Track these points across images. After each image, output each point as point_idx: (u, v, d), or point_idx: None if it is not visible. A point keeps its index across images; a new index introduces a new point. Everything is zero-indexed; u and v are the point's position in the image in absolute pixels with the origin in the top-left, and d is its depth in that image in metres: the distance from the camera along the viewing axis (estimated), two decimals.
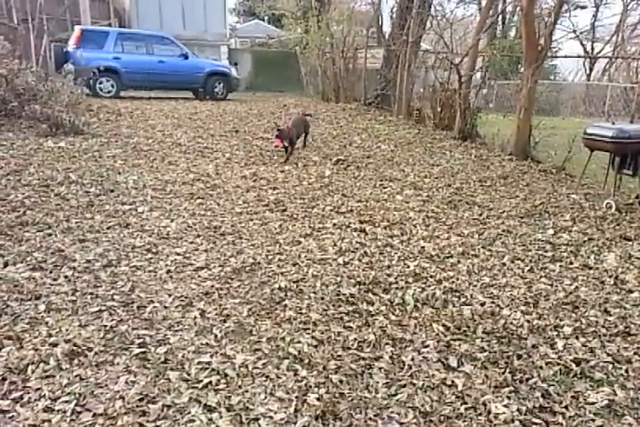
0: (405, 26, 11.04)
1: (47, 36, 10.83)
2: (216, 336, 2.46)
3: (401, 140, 8.37)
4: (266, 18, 30.54)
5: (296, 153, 7.07)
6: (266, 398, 2.05)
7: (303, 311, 2.77)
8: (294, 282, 3.12)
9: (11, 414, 1.85)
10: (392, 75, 11.89)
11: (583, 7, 23.72)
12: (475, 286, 3.21)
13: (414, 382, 2.22)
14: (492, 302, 2.99)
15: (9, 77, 7.00)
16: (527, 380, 2.28)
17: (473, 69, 9.32)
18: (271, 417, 1.94)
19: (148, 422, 1.87)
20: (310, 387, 2.14)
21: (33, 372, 2.09)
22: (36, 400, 1.94)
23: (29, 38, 9.33)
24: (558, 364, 2.41)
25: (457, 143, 8.31)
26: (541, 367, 2.38)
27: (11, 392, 1.97)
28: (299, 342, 2.46)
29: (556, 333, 2.70)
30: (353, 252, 3.67)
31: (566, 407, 2.11)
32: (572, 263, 3.67)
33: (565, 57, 7.88)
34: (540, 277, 3.40)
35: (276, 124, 6.86)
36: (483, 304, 2.95)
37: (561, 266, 3.60)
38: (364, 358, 2.37)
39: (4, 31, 7.88)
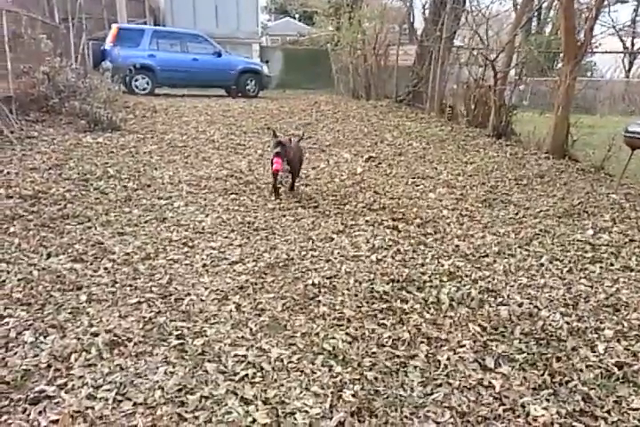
0: (439, 21, 10.89)
1: (86, 35, 11.09)
2: (251, 330, 2.48)
3: (433, 138, 8.27)
4: (297, 15, 30.64)
5: (327, 151, 7.05)
6: (301, 392, 2.06)
7: (337, 308, 2.76)
8: (327, 278, 3.12)
9: (56, 400, 1.91)
10: (424, 71, 11.76)
11: (624, 1, 22.96)
12: (512, 286, 3.15)
13: (450, 381, 2.20)
14: (530, 303, 2.92)
15: (51, 75, 7.21)
16: (567, 383, 2.23)
17: (509, 66, 9.13)
18: (307, 412, 1.95)
19: (186, 412, 1.90)
20: (345, 383, 2.13)
21: (76, 360, 2.15)
22: (79, 388, 1.99)
23: (69, 37, 9.57)
24: (599, 367, 2.34)
25: (491, 141, 8.16)
26: (582, 370, 2.31)
27: (56, 379, 2.03)
28: (333, 337, 2.46)
29: (596, 335, 2.62)
30: (386, 249, 3.65)
31: (608, 412, 2.05)
32: (612, 265, 3.56)
33: (606, 52, 7.61)
34: (580, 278, 3.31)
35: (273, 134, 4.68)
36: (520, 305, 2.90)
37: (601, 267, 3.49)
38: (398, 356, 2.35)
39: (46, 30, 8.11)
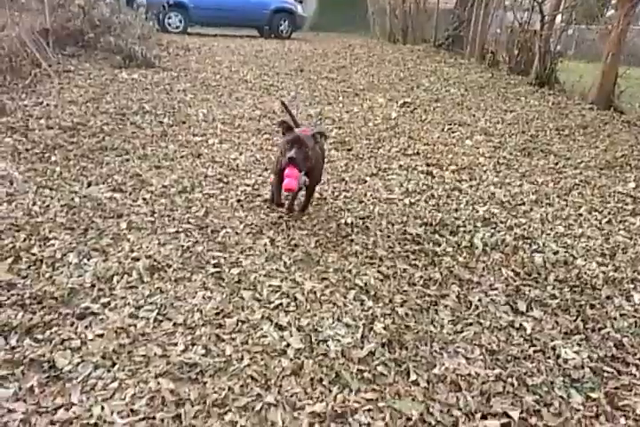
0: None
1: None
2: (285, 263, 2.52)
3: (472, 84, 7.94)
4: None
5: (361, 95, 6.85)
6: (333, 322, 2.11)
7: (369, 247, 2.78)
8: (360, 219, 3.12)
9: (101, 317, 2.00)
10: (466, 14, 11.13)
11: None
12: (548, 234, 3.10)
13: (481, 321, 2.22)
14: (566, 252, 2.88)
15: (86, 8, 7.09)
16: (599, 329, 2.23)
17: (557, 9, 8.54)
18: (339, 340, 2.00)
19: (224, 333, 1.97)
20: (376, 317, 2.17)
21: (118, 282, 2.23)
22: (121, 307, 2.08)
23: None
24: (634, 317, 2.33)
25: (533, 89, 7.80)
26: (615, 318, 2.31)
27: (100, 298, 2.12)
28: (365, 274, 2.49)
29: (632, 286, 2.60)
30: (419, 193, 3.61)
31: None
32: None
33: None
34: (619, 229, 3.24)
35: (281, 125, 2.83)
36: (556, 253, 2.86)
37: None
38: (429, 295, 2.38)
39: None
